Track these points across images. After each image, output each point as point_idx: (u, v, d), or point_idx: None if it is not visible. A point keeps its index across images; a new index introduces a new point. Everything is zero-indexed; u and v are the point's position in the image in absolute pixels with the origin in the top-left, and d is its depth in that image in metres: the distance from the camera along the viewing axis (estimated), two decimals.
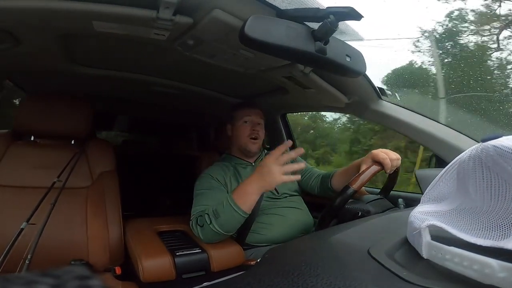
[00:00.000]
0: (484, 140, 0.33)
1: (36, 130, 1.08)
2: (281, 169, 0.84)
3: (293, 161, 1.19)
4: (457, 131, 1.00)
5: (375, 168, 0.90)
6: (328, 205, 0.85)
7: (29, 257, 0.77)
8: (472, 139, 0.96)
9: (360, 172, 0.91)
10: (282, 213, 1.06)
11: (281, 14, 0.64)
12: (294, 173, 0.90)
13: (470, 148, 0.35)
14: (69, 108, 1.08)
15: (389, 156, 0.91)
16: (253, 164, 1.19)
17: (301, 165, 0.90)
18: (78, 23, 0.72)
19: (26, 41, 0.84)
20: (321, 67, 0.78)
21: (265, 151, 1.30)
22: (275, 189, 1.11)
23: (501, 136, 0.32)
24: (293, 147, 1.79)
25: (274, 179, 0.84)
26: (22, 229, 0.78)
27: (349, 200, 0.86)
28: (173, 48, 0.86)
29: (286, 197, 1.12)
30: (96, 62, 1.13)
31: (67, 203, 0.99)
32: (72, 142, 1.15)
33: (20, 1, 0.62)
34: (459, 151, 0.37)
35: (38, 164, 1.05)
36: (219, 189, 1.04)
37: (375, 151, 0.94)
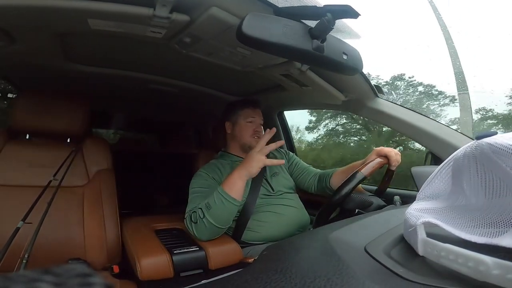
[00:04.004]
0: (478, 138, 0.33)
1: (31, 128, 1.07)
2: (263, 155, 0.93)
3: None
4: (452, 129, 1.01)
5: (381, 160, 0.91)
6: (336, 191, 0.83)
7: (26, 256, 0.76)
8: (467, 136, 0.97)
9: (368, 161, 0.91)
10: (277, 211, 1.06)
11: (278, 12, 0.63)
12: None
13: (465, 146, 0.35)
14: (64, 106, 1.07)
15: (393, 151, 0.94)
16: None
17: (281, 161, 1.00)
18: (74, 22, 0.72)
19: (21, 40, 0.83)
20: (318, 65, 0.78)
21: None
22: (270, 186, 1.11)
23: (495, 134, 0.33)
24: (290, 145, 1.80)
25: (257, 162, 0.92)
26: (19, 228, 0.78)
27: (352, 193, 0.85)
28: (170, 46, 0.85)
29: (281, 194, 1.12)
30: (93, 60, 1.12)
31: (63, 202, 0.99)
32: (68, 140, 1.14)
33: None
34: (454, 148, 0.37)
35: (34, 163, 1.04)
36: (214, 188, 1.04)
37: (378, 148, 0.97)
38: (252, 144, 1.14)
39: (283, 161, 1.02)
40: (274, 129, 0.96)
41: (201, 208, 0.91)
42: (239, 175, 0.92)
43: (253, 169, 0.92)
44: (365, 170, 0.85)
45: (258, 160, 0.92)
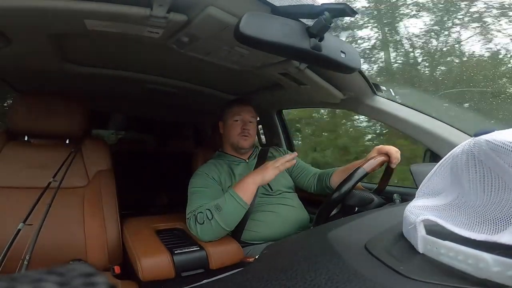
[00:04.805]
0: (477, 135, 0.33)
1: (30, 130, 1.07)
2: (276, 165, 0.96)
3: None
4: (451, 126, 1.01)
5: (382, 157, 0.92)
6: (337, 187, 0.83)
7: (27, 257, 0.76)
8: (466, 133, 0.97)
9: (369, 158, 0.92)
10: (276, 210, 1.06)
11: (276, 11, 0.63)
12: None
13: (463, 143, 0.35)
14: (63, 107, 1.07)
15: (393, 149, 0.95)
16: (247, 161, 1.19)
17: (293, 162, 1.01)
18: (70, 22, 0.71)
19: (17, 41, 0.83)
20: (316, 63, 0.78)
21: (259, 147, 1.31)
22: (269, 185, 1.12)
23: (493, 131, 0.33)
24: (289, 145, 1.80)
25: (273, 170, 0.96)
26: (20, 230, 0.78)
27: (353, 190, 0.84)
28: (167, 45, 0.85)
29: (280, 193, 1.12)
30: (90, 61, 1.12)
31: (63, 203, 0.99)
32: (67, 141, 1.14)
33: (11, 0, 0.61)
34: (452, 145, 0.37)
35: (33, 164, 1.04)
36: (214, 187, 1.04)
37: (378, 146, 0.97)
38: (240, 143, 1.15)
39: (294, 161, 1.03)
40: (296, 154, 1.01)
41: (209, 209, 0.91)
42: (254, 180, 0.94)
43: (268, 176, 0.95)
44: (367, 166, 0.85)
45: (274, 168, 0.95)
